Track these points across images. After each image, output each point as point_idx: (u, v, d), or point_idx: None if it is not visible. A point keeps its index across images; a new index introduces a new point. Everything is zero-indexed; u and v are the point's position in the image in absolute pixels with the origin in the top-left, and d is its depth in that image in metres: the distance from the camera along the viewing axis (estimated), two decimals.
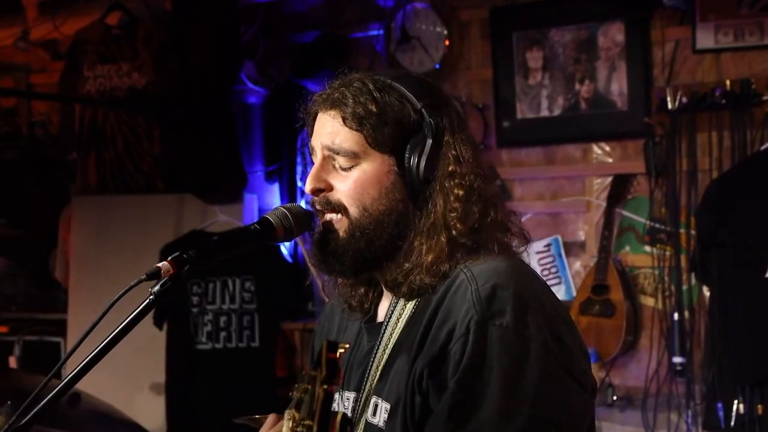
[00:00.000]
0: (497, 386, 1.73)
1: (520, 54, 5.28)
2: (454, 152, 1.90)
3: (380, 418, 1.87)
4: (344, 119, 1.89)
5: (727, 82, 4.71)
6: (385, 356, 1.91)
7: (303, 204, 1.99)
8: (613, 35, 5.05)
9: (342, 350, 1.52)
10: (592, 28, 5.09)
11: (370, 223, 1.90)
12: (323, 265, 1.96)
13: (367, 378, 1.94)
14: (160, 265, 1.79)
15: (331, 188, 1.93)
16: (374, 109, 1.88)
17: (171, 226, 5.70)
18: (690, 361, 4.78)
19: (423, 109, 1.91)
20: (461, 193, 1.88)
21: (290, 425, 1.61)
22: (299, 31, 5.88)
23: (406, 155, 1.90)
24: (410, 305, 1.91)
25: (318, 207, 1.95)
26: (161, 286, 1.79)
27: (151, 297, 1.80)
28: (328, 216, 1.93)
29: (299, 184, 5.82)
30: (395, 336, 1.91)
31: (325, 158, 1.93)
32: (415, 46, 5.49)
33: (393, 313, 1.94)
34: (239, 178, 5.74)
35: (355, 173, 1.90)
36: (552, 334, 1.79)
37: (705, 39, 4.82)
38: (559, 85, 5.20)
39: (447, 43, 5.44)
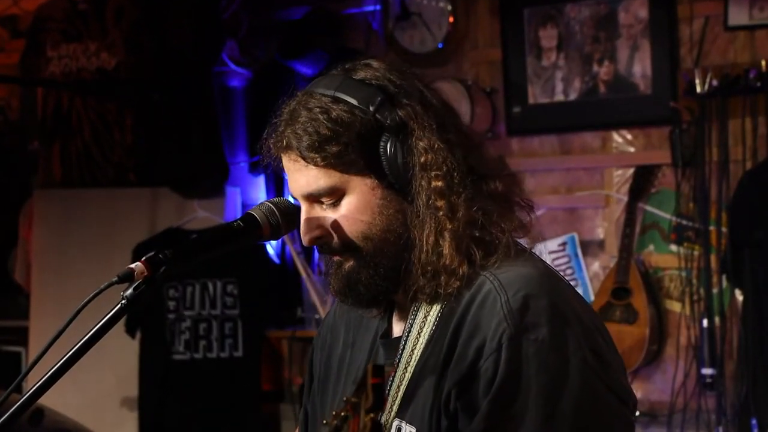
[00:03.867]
0: (535, 407, 1.73)
1: (532, 32, 5.28)
2: (421, 143, 1.89)
3: None
4: (304, 159, 1.89)
5: (763, 63, 4.71)
6: (408, 375, 1.91)
7: (291, 198, 1.99)
8: (635, 11, 5.05)
9: (389, 375, 1.51)
10: (613, 2, 5.09)
11: (374, 248, 1.91)
12: (344, 298, 1.98)
13: (387, 399, 1.93)
14: (132, 266, 1.78)
15: (328, 234, 1.93)
16: (328, 134, 1.87)
17: (144, 223, 5.70)
18: (721, 373, 4.78)
19: (376, 114, 1.89)
20: (439, 185, 1.88)
21: None
22: (287, 7, 5.88)
23: (384, 164, 1.90)
24: (432, 318, 1.91)
25: (325, 255, 1.98)
26: (134, 289, 1.79)
27: (122, 302, 1.79)
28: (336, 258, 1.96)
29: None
30: (417, 353, 1.91)
31: (309, 204, 1.94)
32: (416, 23, 5.48)
33: (413, 327, 1.94)
34: (220, 169, 5.74)
35: (343, 206, 1.91)
36: (591, 349, 1.80)
37: (738, 14, 4.82)
38: (576, 67, 5.20)
39: (451, 19, 5.43)
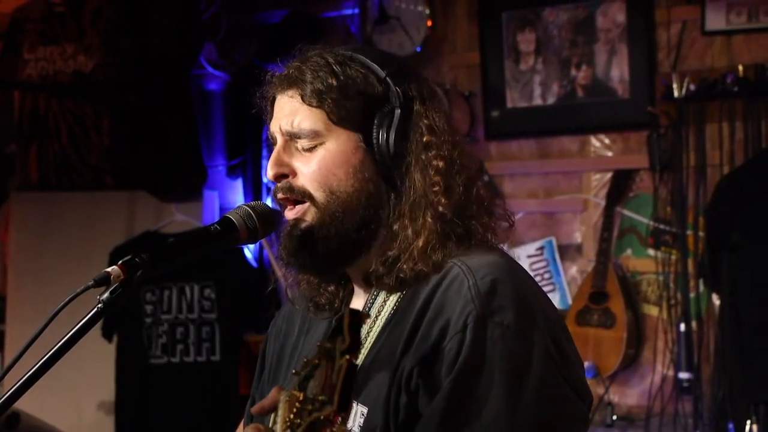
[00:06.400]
0: (498, 391, 1.74)
1: (510, 36, 5.29)
2: (426, 121, 1.93)
3: (355, 424, 1.86)
4: (303, 97, 1.92)
5: (740, 68, 4.73)
6: (362, 357, 1.90)
7: (269, 202, 1.99)
8: (613, 15, 5.06)
9: (366, 321, 1.46)
10: (590, 6, 5.11)
11: (338, 207, 1.91)
12: (294, 259, 1.96)
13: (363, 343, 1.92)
14: (109, 269, 1.77)
15: (294, 173, 1.94)
16: (334, 83, 1.90)
17: (122, 227, 5.68)
18: (698, 377, 4.79)
19: (388, 78, 1.93)
20: (441, 164, 1.90)
21: (290, 406, 1.50)
22: (265, 10, 5.88)
23: (374, 129, 1.92)
24: (391, 301, 1.92)
25: (281, 195, 1.95)
26: (111, 293, 1.78)
27: (99, 305, 1.78)
28: (294, 208, 1.94)
29: (265, 179, 5.81)
30: (374, 335, 1.91)
31: (285, 141, 1.95)
32: (394, 26, 5.49)
33: (371, 309, 1.94)
34: (198, 173, 5.73)
35: (319, 153, 1.91)
36: (552, 340, 1.81)
37: (715, 19, 4.84)
38: (554, 71, 5.22)
39: (429, 23, 5.44)
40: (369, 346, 1.90)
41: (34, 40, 5.93)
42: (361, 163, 1.92)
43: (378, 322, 1.92)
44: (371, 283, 1.95)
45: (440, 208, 1.88)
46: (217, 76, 5.97)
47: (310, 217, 1.92)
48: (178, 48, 5.64)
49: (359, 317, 1.43)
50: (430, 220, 1.88)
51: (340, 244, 1.92)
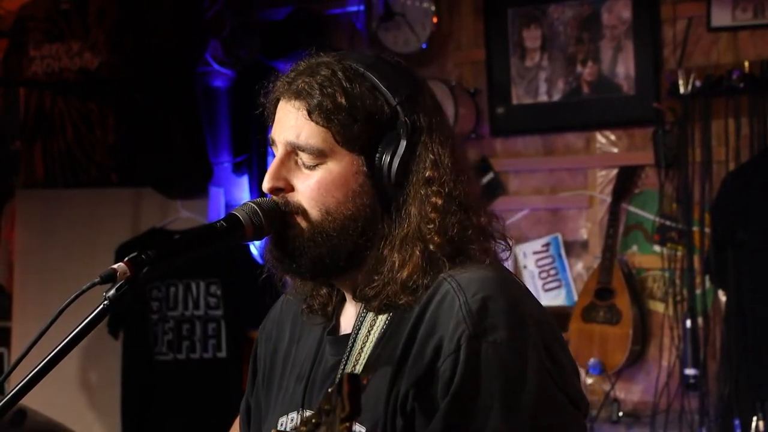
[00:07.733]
0: (493, 409, 1.73)
1: (515, 32, 5.29)
2: (431, 156, 1.90)
3: None
4: (309, 113, 1.88)
5: (746, 64, 4.72)
6: (357, 373, 1.89)
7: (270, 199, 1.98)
8: (618, 11, 5.06)
9: (365, 382, 1.47)
10: (596, 3, 5.10)
11: (333, 229, 1.89)
12: (278, 264, 1.96)
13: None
14: (115, 266, 1.77)
15: (291, 188, 1.92)
16: (343, 102, 1.87)
17: (127, 224, 5.69)
18: (704, 374, 4.79)
19: (398, 106, 1.90)
20: (439, 202, 1.88)
21: None
22: (270, 7, 5.87)
23: (377, 155, 1.89)
24: (383, 316, 1.90)
25: None
26: (117, 290, 1.77)
27: (105, 302, 1.78)
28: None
29: None
30: (367, 350, 1.90)
31: (287, 153, 1.93)
32: (400, 23, 5.48)
33: (362, 324, 1.93)
34: (204, 169, 5.73)
35: (320, 173, 1.89)
36: (546, 351, 1.80)
37: (721, 15, 4.83)
38: (559, 67, 5.21)
39: (435, 20, 5.43)
40: (363, 362, 1.89)
41: (40, 38, 5.93)
42: (360, 188, 1.90)
43: (371, 337, 1.91)
44: (360, 298, 1.94)
45: (431, 246, 1.86)
46: (222, 73, 5.97)
47: (298, 228, 1.91)
48: (181, 46, 5.64)
49: (358, 383, 1.44)
50: (418, 254, 1.86)
51: (326, 262, 1.91)
